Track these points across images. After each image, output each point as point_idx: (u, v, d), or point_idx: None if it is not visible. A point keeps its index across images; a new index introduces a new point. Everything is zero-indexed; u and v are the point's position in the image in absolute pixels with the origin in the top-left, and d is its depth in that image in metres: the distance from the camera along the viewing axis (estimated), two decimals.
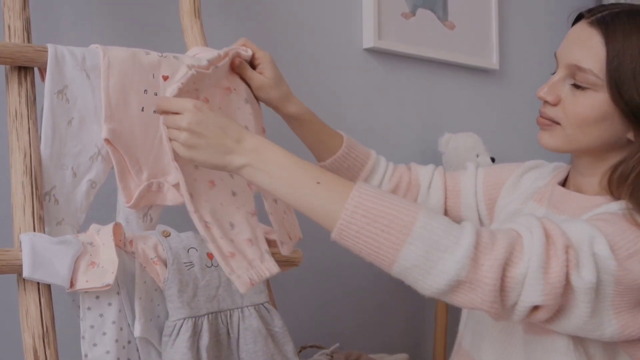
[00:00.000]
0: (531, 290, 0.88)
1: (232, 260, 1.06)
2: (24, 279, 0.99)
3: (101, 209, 1.20)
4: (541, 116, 1.07)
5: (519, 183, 1.24)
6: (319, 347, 1.62)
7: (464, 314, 1.25)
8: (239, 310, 1.15)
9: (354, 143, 1.30)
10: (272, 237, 1.26)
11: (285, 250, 1.20)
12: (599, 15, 1.01)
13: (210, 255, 1.13)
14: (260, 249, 1.13)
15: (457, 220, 1.28)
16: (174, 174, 1.23)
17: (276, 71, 1.21)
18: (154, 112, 1.03)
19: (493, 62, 2.17)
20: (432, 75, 2.04)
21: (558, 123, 1.05)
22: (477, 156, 1.91)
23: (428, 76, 2.03)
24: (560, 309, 0.92)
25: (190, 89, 1.06)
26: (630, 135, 1.01)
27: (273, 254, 1.22)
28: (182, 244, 1.11)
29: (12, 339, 1.19)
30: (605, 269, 0.90)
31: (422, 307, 1.99)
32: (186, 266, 1.10)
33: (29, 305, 0.99)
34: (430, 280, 0.88)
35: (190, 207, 1.03)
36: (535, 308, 0.91)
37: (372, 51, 1.88)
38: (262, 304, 1.17)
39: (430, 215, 0.89)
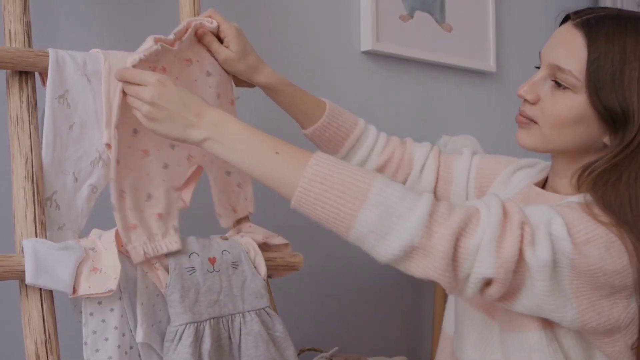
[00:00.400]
0: (483, 262, 0.90)
1: (133, 232, 1.07)
2: (26, 285, 0.99)
3: (102, 213, 1.19)
4: (520, 114, 1.08)
5: (509, 180, 1.24)
6: (318, 350, 1.62)
7: (449, 314, 1.26)
8: (241, 315, 1.15)
9: (338, 112, 1.29)
10: (273, 241, 1.26)
11: (223, 223, 1.23)
12: (585, 17, 1.02)
13: (211, 260, 1.13)
14: (167, 225, 1.12)
15: None
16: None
17: (242, 44, 1.22)
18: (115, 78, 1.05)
19: (490, 64, 2.18)
20: (430, 77, 2.05)
21: (536, 122, 1.06)
22: None
23: (425, 79, 2.04)
24: (516, 287, 0.93)
25: (151, 60, 1.07)
26: (606, 139, 1.02)
27: (274, 259, 1.23)
28: (183, 249, 1.11)
29: (14, 344, 1.19)
30: (561, 250, 0.91)
31: (420, 310, 2.00)
32: (188, 271, 1.10)
33: (31, 311, 0.99)
34: (385, 245, 0.90)
35: (112, 174, 1.05)
36: (488, 284, 0.92)
37: (370, 54, 1.89)
38: (263, 308, 1.17)
39: (386, 182, 0.92)
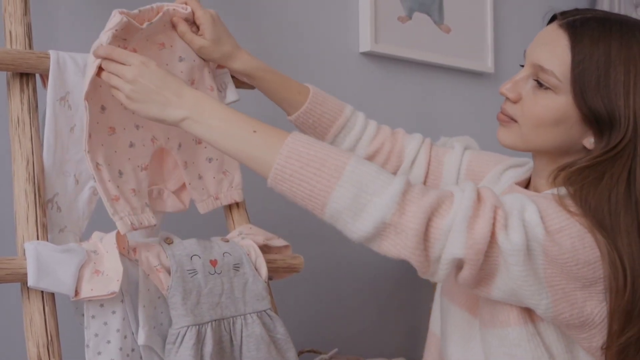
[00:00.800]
0: (454, 242, 0.91)
1: (117, 204, 1.07)
2: (28, 288, 0.99)
3: (103, 216, 1.19)
4: (501, 112, 1.09)
5: (499, 179, 1.24)
6: (317, 352, 1.63)
7: (434, 313, 1.26)
8: (242, 317, 1.15)
9: (322, 98, 1.28)
10: (273, 243, 1.26)
11: (200, 208, 1.23)
12: (571, 18, 1.03)
13: (213, 262, 1.13)
14: (141, 201, 1.13)
15: None
16: (174, 180, 1.24)
17: (217, 31, 1.22)
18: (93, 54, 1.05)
19: (488, 65, 2.19)
20: (428, 78, 2.06)
21: (516, 121, 1.07)
22: None
23: (424, 80, 2.04)
24: (491, 272, 0.95)
25: (121, 36, 1.07)
26: (585, 142, 1.03)
27: (275, 261, 1.23)
28: (185, 252, 1.11)
29: (16, 347, 1.19)
30: (534, 237, 0.92)
31: (419, 312, 2.01)
32: (189, 273, 1.10)
33: (33, 314, 0.99)
34: (359, 223, 0.92)
35: (85, 146, 1.05)
36: (460, 267, 0.94)
37: (369, 55, 1.89)
38: (264, 310, 1.18)
39: (360, 160, 0.94)
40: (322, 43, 1.81)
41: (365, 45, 1.85)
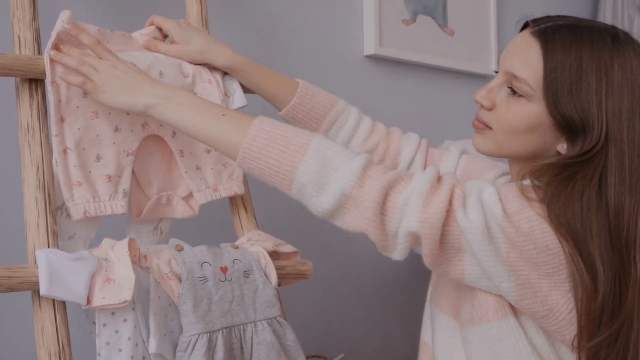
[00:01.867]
0: (409, 216, 0.95)
1: (76, 189, 1.08)
2: (39, 296, 0.99)
3: (111, 222, 1.19)
4: (476, 119, 1.11)
5: None
6: (323, 358, 1.63)
7: (425, 322, 1.27)
8: (252, 324, 1.15)
9: (312, 92, 1.28)
10: (282, 249, 1.26)
11: (199, 198, 1.23)
12: (542, 26, 1.04)
13: (223, 269, 1.13)
14: (117, 187, 1.13)
15: None
16: (183, 187, 1.24)
17: (183, 33, 1.23)
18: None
19: (491, 67, 2.20)
20: (432, 81, 2.06)
21: (490, 127, 1.08)
22: None
23: (427, 82, 2.05)
24: (456, 252, 0.98)
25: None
26: (559, 148, 1.04)
27: (284, 267, 1.23)
28: (195, 259, 1.11)
29: (27, 356, 1.19)
30: (492, 216, 0.95)
31: None
32: (200, 281, 1.10)
33: (45, 322, 0.99)
34: (322, 197, 0.97)
35: (53, 130, 1.06)
36: (417, 238, 0.96)
37: (373, 58, 1.90)
38: (275, 317, 1.18)
39: (326, 139, 0.99)
40: (327, 46, 1.81)
41: (370, 48, 1.86)
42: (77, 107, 1.09)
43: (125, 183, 1.14)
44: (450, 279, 1.05)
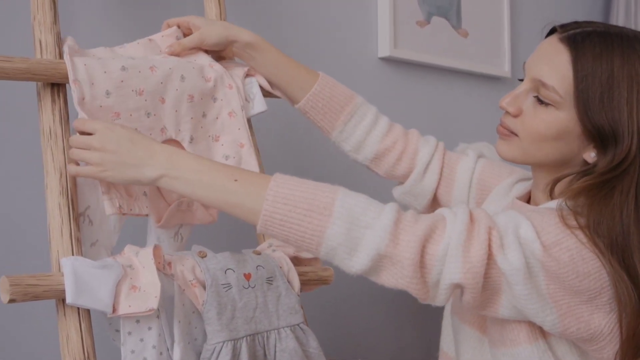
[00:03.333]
0: (451, 268, 0.92)
1: (112, 185, 1.06)
2: (63, 304, 0.98)
3: (131, 229, 1.19)
4: (501, 125, 1.09)
5: (509, 192, 1.24)
6: None
7: (445, 332, 1.27)
8: (276, 331, 1.15)
9: (332, 83, 1.28)
10: (304, 255, 1.26)
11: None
12: (571, 32, 1.03)
13: (247, 276, 1.13)
14: (139, 189, 1.12)
15: None
16: None
17: (203, 19, 1.24)
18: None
19: (505, 69, 2.20)
20: (445, 83, 2.06)
21: (516, 134, 1.07)
22: None
23: (441, 84, 2.05)
24: (495, 293, 0.95)
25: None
26: (586, 156, 1.03)
27: (306, 273, 1.23)
28: (219, 265, 1.11)
29: None
30: (531, 253, 0.93)
31: (441, 321, 2.01)
32: (224, 288, 1.10)
33: (70, 331, 0.98)
34: (355, 257, 0.93)
35: (80, 114, 1.05)
36: (460, 289, 0.95)
37: (388, 60, 1.89)
38: (297, 324, 1.17)
39: (348, 194, 0.95)
40: (341, 48, 1.81)
41: (385, 50, 1.85)
42: (101, 106, 1.08)
43: (144, 186, 1.13)
44: (483, 315, 1.02)
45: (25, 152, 1.29)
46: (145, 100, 1.13)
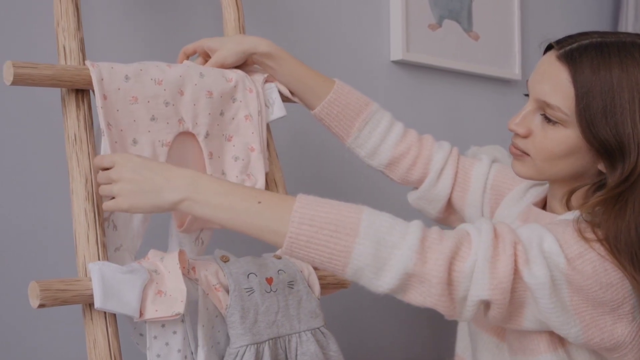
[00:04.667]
0: (478, 285, 0.93)
1: None
2: (90, 309, 1.00)
3: (154, 233, 1.21)
4: (513, 146, 1.10)
5: (523, 197, 1.25)
6: None
7: (461, 337, 1.28)
8: (297, 335, 1.16)
9: (348, 90, 1.30)
10: None
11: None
12: (568, 48, 1.03)
13: (269, 280, 1.15)
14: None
15: (461, 216, 1.32)
16: None
17: (217, 39, 1.27)
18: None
19: (516, 72, 2.21)
20: (457, 86, 2.08)
21: (528, 154, 1.08)
22: None
23: (452, 87, 2.06)
24: (519, 307, 0.96)
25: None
26: (600, 166, 1.04)
27: (326, 277, 1.25)
28: (241, 270, 1.12)
29: None
30: (556, 266, 0.94)
31: (453, 324, 2.02)
32: (247, 292, 1.11)
33: (97, 335, 1.00)
34: (382, 277, 0.94)
35: (98, 102, 1.07)
36: (487, 306, 0.95)
37: (400, 63, 1.91)
38: (318, 328, 1.19)
39: (373, 213, 0.95)
40: (354, 52, 1.82)
41: (397, 53, 1.87)
42: (119, 89, 1.10)
43: None
44: (506, 327, 1.04)
45: (51, 158, 1.30)
46: (164, 90, 1.14)
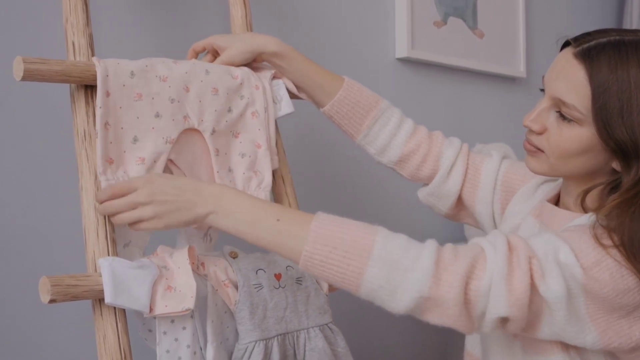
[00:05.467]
0: (496, 302, 0.93)
1: (109, 166, 1.08)
2: (100, 304, 1.01)
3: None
4: (527, 142, 1.11)
5: (534, 193, 1.25)
6: None
7: (472, 336, 1.28)
8: (305, 331, 1.17)
9: (357, 87, 1.30)
10: None
11: None
12: (586, 46, 1.03)
13: (277, 276, 1.15)
14: (149, 171, 1.13)
15: (472, 212, 1.32)
16: None
17: (226, 37, 1.27)
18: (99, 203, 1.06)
19: (520, 70, 2.22)
20: (462, 84, 2.08)
21: (543, 151, 1.08)
22: None
23: (458, 85, 2.07)
24: (536, 318, 0.97)
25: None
26: (615, 165, 1.04)
27: None
28: (250, 266, 1.13)
29: None
30: (572, 277, 0.94)
31: None
32: (255, 288, 1.12)
33: (107, 331, 1.01)
34: (396, 299, 0.95)
35: (98, 101, 1.07)
36: (505, 320, 0.96)
37: (405, 61, 1.92)
38: (326, 324, 1.20)
39: (388, 236, 0.96)
40: (359, 49, 1.83)
41: (402, 51, 1.88)
42: (124, 85, 1.10)
43: (159, 169, 1.14)
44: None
45: (60, 155, 1.31)
46: (169, 86, 1.15)
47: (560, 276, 0.93)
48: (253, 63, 1.29)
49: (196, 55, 1.30)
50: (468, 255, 0.95)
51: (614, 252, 0.96)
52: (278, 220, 0.98)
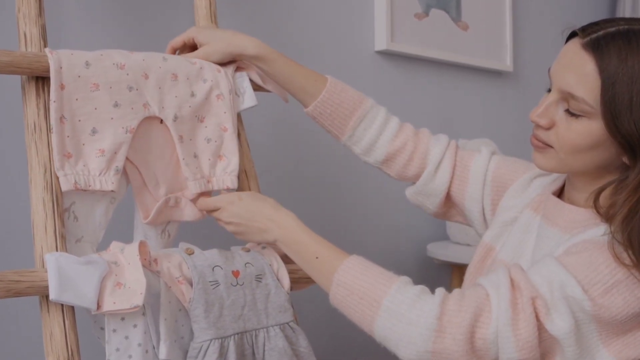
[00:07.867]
0: (506, 348, 0.96)
1: (67, 160, 1.09)
2: (47, 300, 1.01)
3: (118, 225, 1.21)
4: (535, 137, 1.09)
5: (528, 187, 1.25)
6: None
7: None
8: (265, 330, 1.17)
9: (341, 88, 1.29)
10: None
11: (192, 187, 1.25)
12: (594, 36, 1.01)
13: (235, 273, 1.15)
14: (110, 164, 1.14)
15: (461, 209, 1.33)
16: (191, 188, 1.26)
17: (206, 32, 1.29)
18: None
19: (507, 64, 2.21)
20: (445, 77, 2.08)
21: (551, 146, 1.07)
22: None
23: (441, 79, 2.07)
24: (548, 352, 0.99)
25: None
26: (625, 159, 1.03)
27: (297, 271, 1.25)
28: (206, 262, 1.13)
29: None
30: (580, 309, 0.96)
31: None
32: (211, 285, 1.12)
33: (53, 328, 1.01)
34: (402, 350, 1.00)
35: (52, 95, 1.08)
36: None
37: (385, 54, 1.91)
38: (287, 323, 1.20)
39: (402, 287, 1.02)
40: (337, 41, 1.83)
41: (381, 43, 1.88)
42: (79, 76, 1.10)
43: (119, 160, 1.15)
44: None
45: (8, 147, 1.31)
46: (127, 74, 1.15)
47: (567, 312, 0.95)
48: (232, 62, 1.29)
49: (174, 51, 1.30)
50: (472, 305, 0.98)
51: (634, 271, 0.96)
52: (317, 258, 1.10)
